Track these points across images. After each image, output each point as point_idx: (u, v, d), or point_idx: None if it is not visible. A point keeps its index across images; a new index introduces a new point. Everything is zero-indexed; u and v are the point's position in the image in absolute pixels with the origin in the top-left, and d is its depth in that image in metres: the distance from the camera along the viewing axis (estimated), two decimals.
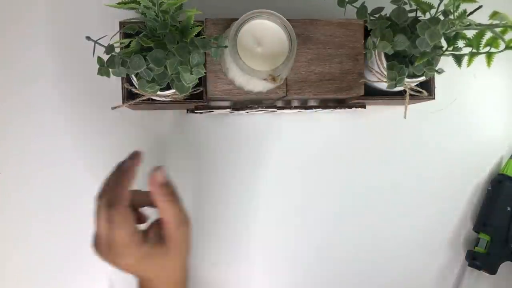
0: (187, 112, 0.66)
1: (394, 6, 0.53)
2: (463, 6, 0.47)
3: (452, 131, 0.70)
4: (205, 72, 0.50)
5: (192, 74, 0.48)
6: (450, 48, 0.52)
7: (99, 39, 0.47)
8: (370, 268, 0.69)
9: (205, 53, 0.52)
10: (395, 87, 0.54)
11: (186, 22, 0.50)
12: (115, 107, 0.57)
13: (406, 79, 0.55)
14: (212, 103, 0.64)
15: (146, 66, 0.48)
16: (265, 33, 0.53)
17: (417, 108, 0.67)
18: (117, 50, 0.50)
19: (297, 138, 0.68)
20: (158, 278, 0.51)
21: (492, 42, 0.49)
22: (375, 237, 0.69)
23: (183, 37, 0.50)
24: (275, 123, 0.68)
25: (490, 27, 0.46)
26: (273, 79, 0.53)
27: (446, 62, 0.54)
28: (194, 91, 0.58)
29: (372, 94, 0.61)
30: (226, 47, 0.50)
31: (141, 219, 0.55)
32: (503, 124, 0.71)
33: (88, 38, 0.46)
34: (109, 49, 0.48)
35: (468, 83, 0.70)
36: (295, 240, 0.68)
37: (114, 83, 0.59)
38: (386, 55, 0.55)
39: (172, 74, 0.50)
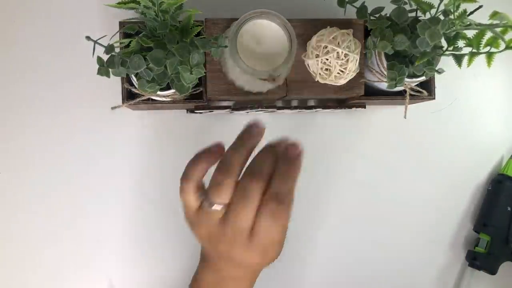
0: (187, 112, 0.65)
1: (394, 6, 0.53)
2: (463, 6, 0.47)
3: (452, 131, 0.70)
4: (205, 72, 0.50)
5: (192, 74, 0.48)
6: (450, 48, 0.52)
7: (99, 39, 0.47)
8: (370, 268, 0.69)
9: (205, 53, 0.52)
10: (395, 87, 0.54)
11: (186, 22, 0.50)
12: (115, 107, 0.57)
13: (406, 79, 0.55)
14: (212, 103, 0.64)
15: (146, 66, 0.48)
16: (265, 33, 0.53)
17: (417, 108, 0.67)
18: (117, 50, 0.50)
19: (297, 138, 0.68)
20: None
21: (492, 42, 0.49)
22: (374, 237, 0.69)
23: (183, 37, 0.50)
24: (275, 123, 0.68)
25: (490, 27, 0.46)
26: (273, 79, 0.53)
27: (446, 62, 0.54)
28: (194, 91, 0.58)
29: (372, 94, 0.61)
30: (226, 47, 0.50)
31: None
32: (503, 124, 0.71)
33: (88, 38, 0.46)
34: (109, 49, 0.48)
35: (468, 83, 0.70)
36: (293, 240, 0.68)
37: (114, 83, 0.58)
38: (386, 55, 0.55)
39: (172, 74, 0.50)
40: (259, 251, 0.44)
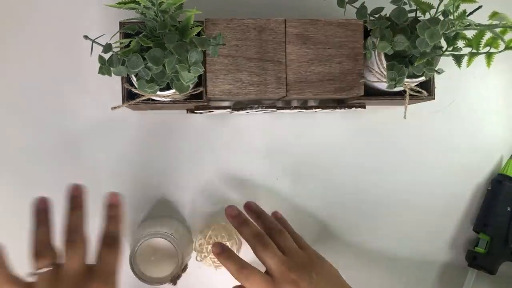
0: (187, 112, 0.66)
1: (394, 6, 0.53)
2: (463, 6, 0.47)
3: (452, 131, 0.70)
4: (203, 71, 0.50)
5: (190, 72, 0.48)
6: (450, 48, 0.52)
7: (97, 38, 0.47)
8: (370, 268, 0.69)
9: (204, 52, 0.52)
10: (395, 87, 0.55)
11: (186, 22, 0.50)
12: (115, 107, 0.57)
13: (406, 79, 0.55)
14: (212, 103, 0.64)
15: (144, 65, 0.48)
16: (159, 245, 0.60)
17: (417, 108, 0.67)
18: (117, 50, 0.50)
19: (297, 138, 0.68)
20: None
21: (491, 42, 0.49)
22: (375, 237, 0.69)
23: (182, 37, 0.50)
24: (275, 123, 0.68)
25: (490, 27, 0.46)
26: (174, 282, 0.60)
27: (446, 62, 0.54)
28: (194, 91, 0.58)
29: (372, 94, 0.61)
30: (224, 44, 0.49)
31: None
32: (503, 124, 0.71)
33: (85, 37, 0.46)
34: (107, 48, 0.48)
35: (468, 83, 0.70)
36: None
37: (114, 83, 0.59)
38: (386, 55, 0.55)
39: (171, 73, 0.50)
40: (98, 281, 0.46)
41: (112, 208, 0.50)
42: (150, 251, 0.60)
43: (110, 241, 0.49)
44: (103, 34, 0.48)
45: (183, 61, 0.48)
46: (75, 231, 0.48)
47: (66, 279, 0.45)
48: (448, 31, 0.49)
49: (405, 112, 0.59)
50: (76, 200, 0.51)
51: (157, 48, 0.48)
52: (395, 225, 0.69)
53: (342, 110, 0.66)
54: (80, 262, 0.46)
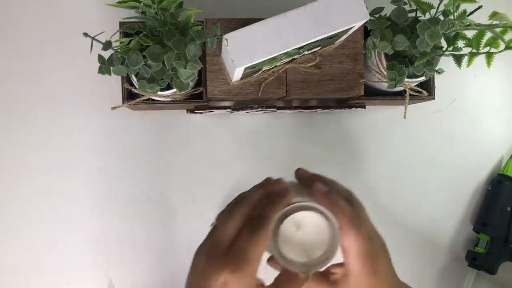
0: (187, 112, 0.66)
1: (394, 6, 0.53)
2: (463, 6, 0.48)
3: (452, 131, 0.70)
4: (201, 67, 0.50)
5: (186, 68, 0.48)
6: (450, 48, 0.52)
7: (96, 35, 0.47)
8: None
9: (204, 52, 0.52)
10: (395, 87, 0.55)
11: (185, 21, 0.50)
12: (115, 107, 0.57)
13: (406, 79, 0.55)
14: (212, 103, 0.64)
15: (144, 63, 0.48)
16: (306, 220, 0.46)
17: (417, 108, 0.67)
18: (117, 49, 0.50)
19: (297, 138, 0.68)
20: None
21: (492, 42, 0.49)
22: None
23: (182, 35, 0.50)
24: (275, 123, 0.68)
25: (490, 27, 0.46)
26: (305, 273, 0.45)
27: (446, 62, 0.54)
28: (194, 91, 0.58)
29: (372, 94, 0.61)
30: (221, 35, 0.49)
31: None
32: (503, 124, 0.71)
33: (85, 34, 0.46)
34: (106, 45, 0.47)
35: (468, 83, 0.70)
36: None
37: (114, 83, 0.59)
38: (386, 55, 0.55)
39: (170, 71, 0.49)
40: (230, 263, 0.41)
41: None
42: (294, 224, 0.46)
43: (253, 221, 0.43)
44: (103, 32, 0.48)
45: (182, 57, 0.48)
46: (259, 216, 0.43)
47: (214, 246, 0.43)
48: (448, 31, 0.49)
49: (405, 112, 0.59)
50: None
51: (156, 45, 0.48)
52: (395, 225, 0.69)
53: (342, 110, 0.66)
54: (229, 233, 0.43)
